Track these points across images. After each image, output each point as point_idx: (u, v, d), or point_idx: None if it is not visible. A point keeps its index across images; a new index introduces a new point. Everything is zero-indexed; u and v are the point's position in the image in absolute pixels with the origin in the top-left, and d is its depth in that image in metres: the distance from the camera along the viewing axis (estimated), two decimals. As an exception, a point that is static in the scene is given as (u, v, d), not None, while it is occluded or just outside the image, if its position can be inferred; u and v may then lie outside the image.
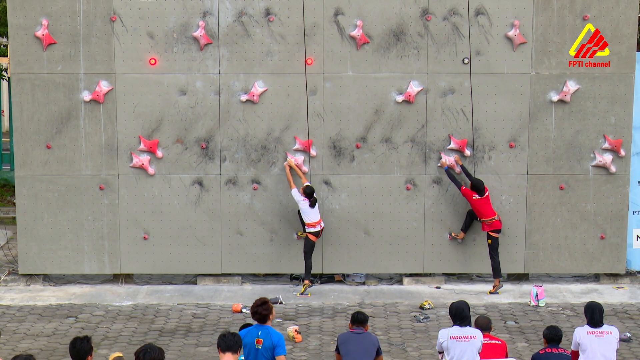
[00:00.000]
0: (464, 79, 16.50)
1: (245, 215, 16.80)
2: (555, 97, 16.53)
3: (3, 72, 24.39)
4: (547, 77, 16.51)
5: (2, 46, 25.15)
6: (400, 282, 17.18)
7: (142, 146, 16.53)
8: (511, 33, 16.39)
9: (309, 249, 16.37)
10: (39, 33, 16.23)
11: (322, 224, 16.38)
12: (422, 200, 16.79)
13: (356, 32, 16.38)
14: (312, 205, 16.14)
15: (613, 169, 16.70)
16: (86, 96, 16.41)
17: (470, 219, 16.61)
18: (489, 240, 16.35)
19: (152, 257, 16.84)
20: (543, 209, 16.82)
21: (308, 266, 16.41)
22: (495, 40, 16.45)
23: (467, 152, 16.60)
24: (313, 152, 16.64)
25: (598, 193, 16.80)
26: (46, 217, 16.70)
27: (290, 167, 16.39)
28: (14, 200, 18.34)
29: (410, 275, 17.12)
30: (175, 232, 16.79)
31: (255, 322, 10.42)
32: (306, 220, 16.24)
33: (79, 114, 16.46)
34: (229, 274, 17.05)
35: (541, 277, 17.30)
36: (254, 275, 17.37)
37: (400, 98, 16.50)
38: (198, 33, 16.31)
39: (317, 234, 16.31)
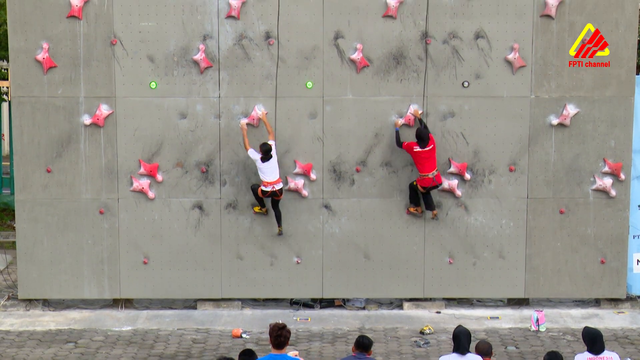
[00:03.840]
0: (464, 102, 15.85)
1: (245, 239, 16.08)
2: (555, 121, 15.87)
3: (4, 96, 23.78)
4: (546, 100, 15.84)
5: (2, 69, 24.56)
6: (400, 306, 16.43)
7: (142, 170, 15.84)
8: (511, 56, 15.76)
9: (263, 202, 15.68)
10: (40, 56, 15.58)
11: (279, 186, 15.39)
12: (422, 224, 16.08)
13: (356, 56, 15.75)
14: (264, 159, 15.21)
15: (613, 192, 16.01)
16: (86, 120, 15.74)
17: (415, 192, 15.72)
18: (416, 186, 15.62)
19: (151, 281, 16.11)
20: (543, 233, 16.10)
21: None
22: (495, 64, 15.80)
23: (467, 176, 15.94)
24: (313, 175, 15.95)
25: (598, 217, 16.10)
26: (46, 241, 15.97)
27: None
28: (14, 225, 17.63)
29: (411, 300, 16.37)
30: (175, 257, 16.07)
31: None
32: (261, 177, 15.34)
33: (79, 138, 15.78)
34: (229, 299, 16.30)
35: (542, 302, 16.52)
36: (254, 299, 16.61)
37: (400, 121, 15.85)
38: (198, 56, 15.66)
39: (267, 193, 15.42)
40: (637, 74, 16.46)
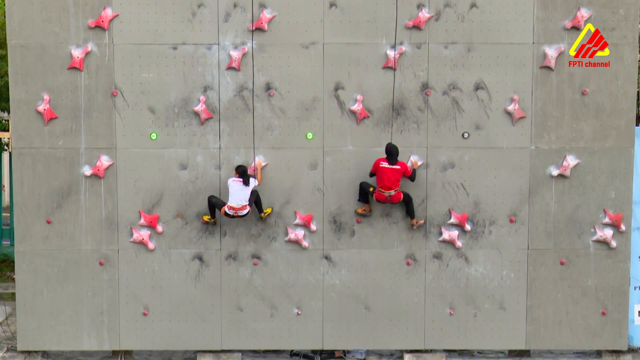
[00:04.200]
0: (464, 153, 15.81)
1: (246, 290, 15.97)
2: (555, 172, 15.81)
3: (4, 147, 23.73)
4: (546, 151, 15.80)
5: (3, 121, 24.53)
6: (401, 358, 16.27)
7: (142, 221, 15.76)
8: (511, 107, 15.74)
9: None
10: (41, 108, 15.57)
11: (242, 213, 15.18)
12: (423, 275, 15.98)
13: (356, 107, 15.73)
14: (245, 184, 15.09)
15: (614, 244, 15.91)
16: (87, 171, 15.69)
17: (365, 192, 15.49)
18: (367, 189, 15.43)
19: (151, 332, 15.97)
20: (544, 284, 15.99)
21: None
22: (495, 115, 15.77)
23: (468, 227, 15.86)
24: (313, 226, 15.87)
25: (599, 268, 15.99)
26: (45, 292, 15.86)
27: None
28: (14, 276, 17.50)
29: (411, 351, 16.21)
30: (175, 308, 15.94)
31: None
32: (229, 200, 15.20)
33: (79, 189, 15.72)
34: (229, 350, 16.14)
35: (543, 354, 16.36)
36: (254, 351, 16.45)
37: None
38: (199, 107, 15.64)
39: (229, 216, 15.28)
40: (637, 124, 16.38)
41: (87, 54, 15.50)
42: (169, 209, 15.77)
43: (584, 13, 15.52)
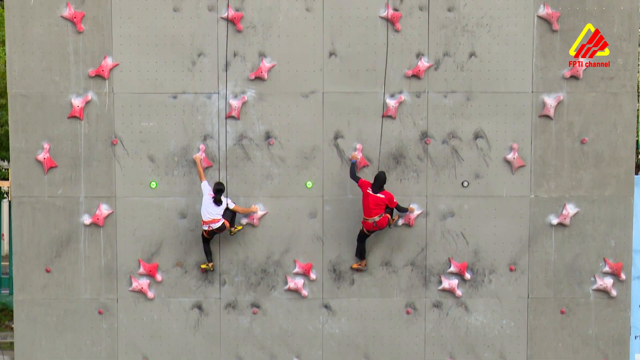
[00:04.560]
0: (464, 202, 15.77)
1: (245, 339, 15.86)
2: (554, 220, 15.76)
3: (4, 195, 23.69)
4: (546, 200, 15.76)
5: (3, 169, 24.50)
6: (401, 406, 16.20)
7: (141, 270, 15.68)
8: (510, 156, 15.71)
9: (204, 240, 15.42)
10: (41, 156, 15.53)
11: (216, 225, 15.12)
12: (423, 324, 15.89)
13: (356, 155, 15.71)
14: (216, 202, 15.08)
15: (614, 292, 15.83)
16: (86, 219, 15.64)
17: (363, 242, 15.47)
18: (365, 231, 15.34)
19: (150, 381, 15.91)
20: (544, 333, 15.90)
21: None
22: (494, 163, 15.75)
23: (468, 276, 15.80)
24: (313, 275, 15.80)
25: (599, 317, 15.90)
26: (44, 341, 15.75)
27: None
28: (12, 325, 17.42)
29: (411, 399, 16.14)
30: (175, 357, 15.81)
31: None
32: (203, 216, 15.15)
33: (78, 238, 15.66)
34: (228, 399, 16.08)
35: (543, 402, 16.32)
36: (254, 399, 16.37)
37: (400, 221, 15.75)
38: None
39: (206, 232, 15.22)
40: (637, 173, 16.34)
41: (87, 102, 15.49)
42: (168, 257, 15.71)
43: (582, 62, 15.52)
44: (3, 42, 21.67)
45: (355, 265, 15.64)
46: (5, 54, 19.01)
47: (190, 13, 15.43)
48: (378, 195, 15.07)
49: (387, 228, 15.50)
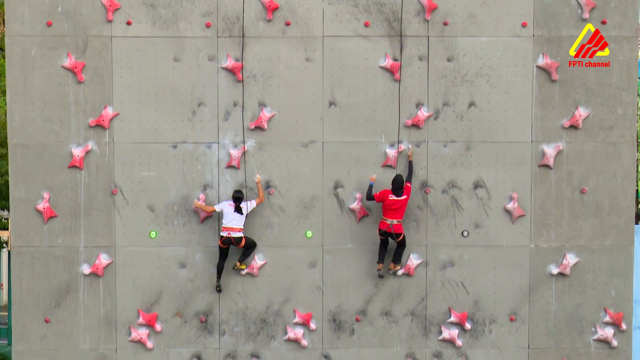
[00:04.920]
0: (464, 252, 15.71)
1: (244, 389, 15.80)
2: (555, 270, 15.69)
3: (4, 245, 23.65)
4: (546, 249, 15.70)
5: (3, 219, 24.49)
6: None
7: (140, 320, 15.59)
8: (510, 206, 15.67)
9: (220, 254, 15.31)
10: (40, 206, 15.49)
11: (235, 234, 15.04)
12: (423, 374, 15.82)
13: (356, 205, 15.65)
14: (237, 210, 15.04)
15: (615, 343, 15.72)
16: (86, 269, 15.57)
17: (385, 248, 15.40)
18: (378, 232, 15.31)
19: None
20: (545, 382, 15.83)
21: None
22: (494, 213, 15.70)
23: (468, 326, 15.71)
24: (312, 325, 15.70)
25: (600, 366, 15.85)
26: (43, 391, 15.71)
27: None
28: (11, 374, 17.33)
29: None
30: (173, 407, 15.76)
31: None
32: (223, 223, 15.12)
33: (78, 287, 15.59)
34: None
35: None
36: None
37: (400, 271, 15.69)
38: (198, 206, 15.62)
39: (223, 238, 15.10)
40: (637, 223, 16.29)
41: (88, 152, 15.47)
42: (167, 307, 15.63)
43: (582, 112, 15.52)
44: (4, 92, 21.71)
45: (392, 268, 15.56)
46: (5, 104, 19.03)
47: (191, 63, 15.45)
48: (401, 198, 14.99)
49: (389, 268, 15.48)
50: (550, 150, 15.53)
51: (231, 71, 15.44)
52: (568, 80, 15.50)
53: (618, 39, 15.45)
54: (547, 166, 15.57)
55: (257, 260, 15.56)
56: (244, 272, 15.52)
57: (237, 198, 15.05)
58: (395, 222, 15.05)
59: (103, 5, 15.34)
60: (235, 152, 15.50)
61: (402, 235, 15.13)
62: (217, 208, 15.18)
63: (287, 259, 15.62)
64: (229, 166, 15.54)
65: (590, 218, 15.63)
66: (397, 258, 15.41)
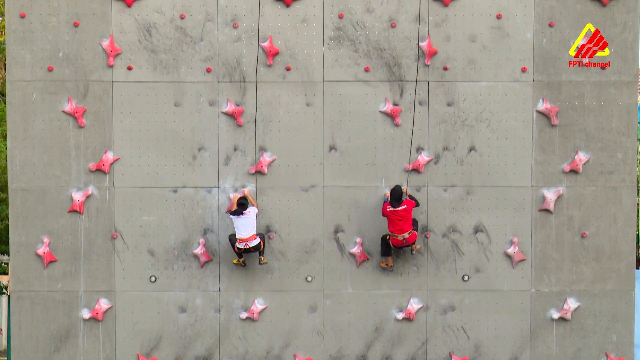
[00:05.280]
0: (464, 296, 15.64)
1: None
2: (556, 315, 15.61)
3: (3, 290, 23.57)
4: (547, 294, 15.63)
5: (2, 264, 24.45)
6: None
7: (140, 364, 15.58)
8: (510, 250, 15.62)
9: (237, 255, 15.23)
10: (40, 251, 15.44)
11: (252, 243, 14.90)
12: (424, 419, 15.73)
13: (356, 249, 15.61)
14: (238, 213, 14.89)
15: (617, 387, 15.71)
16: (85, 314, 15.50)
17: (387, 245, 15.25)
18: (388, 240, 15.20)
19: None
20: None
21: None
22: (495, 257, 15.64)
23: (469, 370, 15.67)
24: (313, 370, 15.68)
25: (602, 412, 15.76)
26: None
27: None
28: (10, 419, 17.24)
29: None
30: None
31: None
32: (236, 234, 14.97)
33: (77, 332, 15.50)
34: None
35: None
36: None
37: (400, 315, 15.62)
38: (199, 250, 15.52)
39: (241, 250, 14.99)
40: (637, 267, 16.25)
41: (88, 197, 15.44)
42: (167, 352, 15.55)
43: (582, 156, 15.50)
44: (4, 137, 21.71)
45: (383, 264, 15.46)
46: (6, 149, 19.02)
47: (191, 108, 15.45)
48: (399, 208, 14.87)
49: (411, 249, 15.39)
50: (550, 195, 15.50)
51: (231, 116, 15.43)
52: (568, 124, 15.49)
53: (618, 84, 15.45)
54: (547, 210, 15.54)
55: (257, 304, 15.50)
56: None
57: (241, 204, 14.91)
58: (407, 235, 14.95)
59: (104, 51, 15.35)
60: (235, 197, 15.45)
61: (412, 249, 15.21)
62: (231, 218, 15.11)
63: (288, 304, 15.56)
64: (229, 211, 15.48)
65: (591, 262, 15.58)
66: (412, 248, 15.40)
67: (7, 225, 20.07)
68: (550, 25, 15.42)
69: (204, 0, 15.37)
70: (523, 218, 15.54)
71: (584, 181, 15.55)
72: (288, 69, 15.44)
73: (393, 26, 15.44)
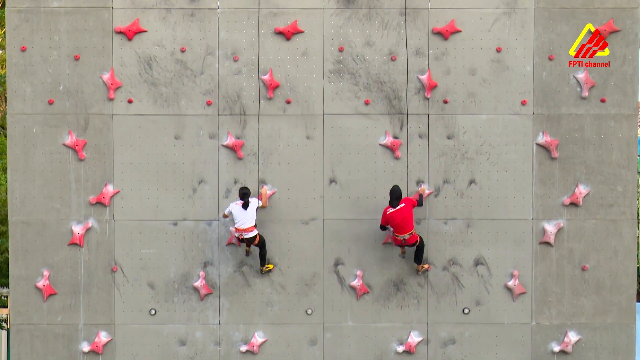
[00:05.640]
0: (465, 329, 15.58)
1: None
2: (556, 348, 15.54)
3: (3, 323, 23.48)
4: (547, 327, 15.57)
5: (2, 297, 24.39)
6: None
7: (140, 398, 15.50)
8: (511, 283, 15.57)
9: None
10: (40, 284, 15.40)
11: (248, 235, 14.85)
12: None
13: (356, 282, 15.57)
14: (244, 207, 14.79)
15: (617, 421, 15.63)
16: (85, 347, 15.42)
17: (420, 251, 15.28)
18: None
19: None
20: None
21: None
22: (495, 290, 15.59)
23: (470, 403, 15.59)
24: (313, 403, 15.60)
25: None
26: None
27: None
28: None
29: None
30: None
31: None
32: (236, 224, 14.87)
33: (77, 365, 15.51)
34: None
35: None
36: None
37: (400, 348, 15.55)
38: (198, 283, 15.48)
39: (241, 239, 14.98)
40: (638, 301, 16.21)
41: (88, 230, 15.41)
42: (167, 385, 15.52)
43: (582, 189, 15.48)
44: (5, 170, 21.68)
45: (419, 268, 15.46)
46: (6, 182, 18.99)
47: (192, 141, 15.43)
48: (398, 208, 14.80)
49: (417, 269, 15.44)
50: (550, 228, 15.46)
51: (232, 149, 15.41)
52: (568, 157, 15.47)
53: (617, 117, 15.44)
54: (548, 243, 15.51)
55: (257, 337, 15.45)
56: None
57: (244, 194, 14.83)
58: (407, 236, 14.89)
59: (105, 84, 15.34)
60: (235, 232, 15.40)
61: (417, 242, 15.04)
62: (226, 212, 14.99)
63: (288, 337, 15.51)
64: (230, 243, 15.46)
65: (591, 296, 15.53)
66: (419, 259, 15.26)
67: (7, 258, 20.03)
68: (550, 59, 15.42)
69: (204, 34, 15.36)
70: (523, 251, 15.51)
71: (584, 214, 15.51)
72: (288, 102, 15.43)
73: (393, 59, 15.43)
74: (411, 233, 14.91)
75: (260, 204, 15.12)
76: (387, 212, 14.90)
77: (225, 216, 15.09)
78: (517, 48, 15.44)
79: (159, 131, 15.41)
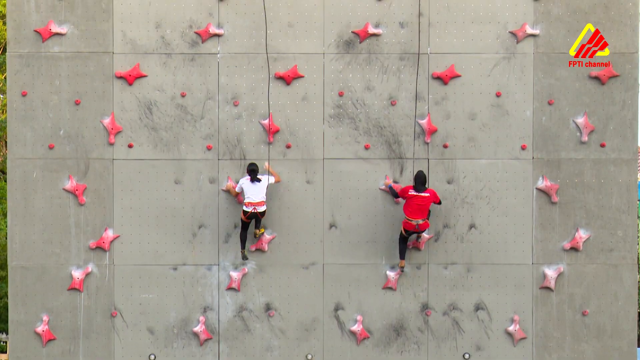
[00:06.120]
0: (465, 374, 15.55)
1: None
2: (558, 393, 15.53)
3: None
4: (548, 372, 15.55)
5: (1, 342, 24.33)
6: None
7: None
8: (511, 328, 15.49)
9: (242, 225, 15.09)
10: (39, 329, 15.31)
11: (260, 208, 14.79)
12: None
13: (356, 327, 15.48)
14: (254, 180, 14.78)
15: None
16: (84, 392, 15.41)
17: (403, 245, 15.13)
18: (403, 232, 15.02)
19: None
20: None
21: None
22: (496, 335, 15.51)
23: None
24: None
25: None
26: None
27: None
28: None
29: None
30: None
31: None
32: (245, 199, 14.81)
33: (76, 411, 15.41)
34: None
35: None
36: None
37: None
38: (198, 328, 15.40)
39: (248, 214, 14.84)
40: (639, 346, 16.13)
41: (87, 274, 15.35)
42: None
43: (582, 234, 15.43)
44: (5, 214, 21.67)
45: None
46: (6, 226, 18.96)
47: (192, 185, 15.41)
48: (422, 194, 14.71)
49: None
50: (551, 273, 15.41)
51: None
52: (568, 202, 15.43)
53: (617, 162, 15.42)
54: (548, 288, 15.45)
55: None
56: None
57: (252, 170, 14.80)
58: (420, 221, 14.80)
59: (105, 128, 15.34)
60: (236, 274, 15.38)
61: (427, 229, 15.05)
62: (237, 189, 14.98)
63: (288, 382, 15.45)
64: (229, 288, 15.41)
65: (592, 341, 15.45)
66: (418, 237, 15.26)
67: (7, 303, 19.97)
68: (550, 103, 15.42)
69: (204, 79, 15.37)
70: (524, 296, 15.44)
71: (584, 259, 15.47)
72: (288, 147, 15.42)
73: (393, 104, 15.43)
74: (424, 220, 14.81)
75: (273, 179, 15.03)
76: (409, 192, 14.79)
77: (237, 195, 15.04)
78: (516, 93, 15.44)
79: (159, 176, 15.38)
